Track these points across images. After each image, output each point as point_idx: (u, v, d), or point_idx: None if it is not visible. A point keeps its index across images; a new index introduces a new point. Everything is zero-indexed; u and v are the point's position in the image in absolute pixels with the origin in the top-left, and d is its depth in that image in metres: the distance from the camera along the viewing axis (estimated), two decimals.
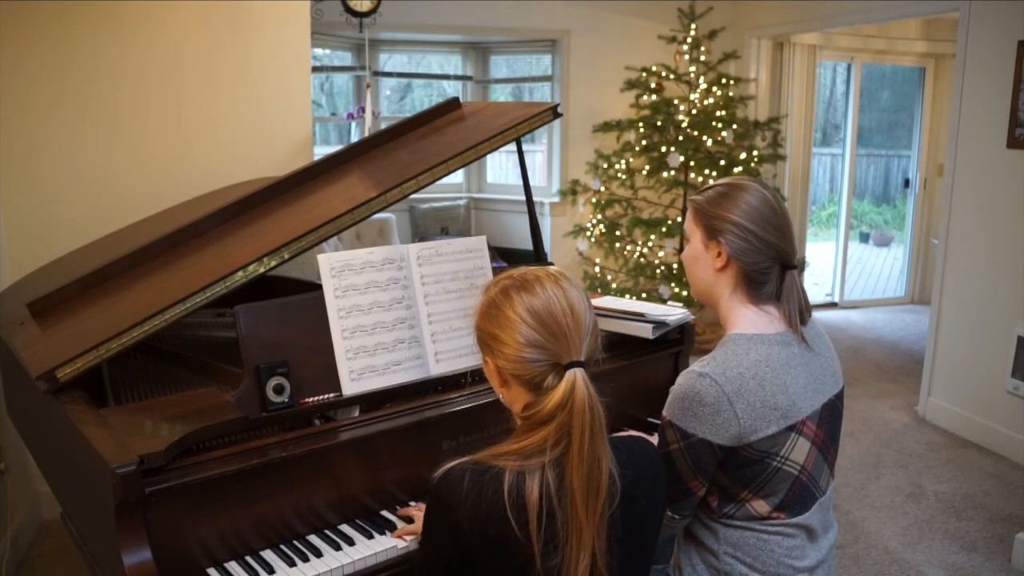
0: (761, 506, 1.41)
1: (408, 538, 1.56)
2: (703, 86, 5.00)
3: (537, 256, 2.38)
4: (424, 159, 2.01)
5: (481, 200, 6.02)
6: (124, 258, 1.96)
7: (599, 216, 5.27)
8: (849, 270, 6.94)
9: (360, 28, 4.82)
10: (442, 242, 1.90)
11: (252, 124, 3.23)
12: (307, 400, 1.65)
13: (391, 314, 1.78)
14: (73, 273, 2.02)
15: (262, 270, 1.74)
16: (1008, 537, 2.96)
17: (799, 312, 1.45)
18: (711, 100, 5.00)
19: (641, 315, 2.10)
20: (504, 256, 5.26)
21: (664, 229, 4.94)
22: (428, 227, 5.69)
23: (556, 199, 5.57)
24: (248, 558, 1.48)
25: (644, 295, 5.11)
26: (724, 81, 5.02)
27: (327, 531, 1.58)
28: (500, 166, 6.20)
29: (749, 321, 1.44)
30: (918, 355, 5.07)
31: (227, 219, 2.04)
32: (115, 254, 2.00)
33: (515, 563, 1.10)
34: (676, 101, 5.01)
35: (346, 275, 1.74)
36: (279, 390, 1.60)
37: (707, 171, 4.89)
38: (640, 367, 2.11)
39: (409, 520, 1.60)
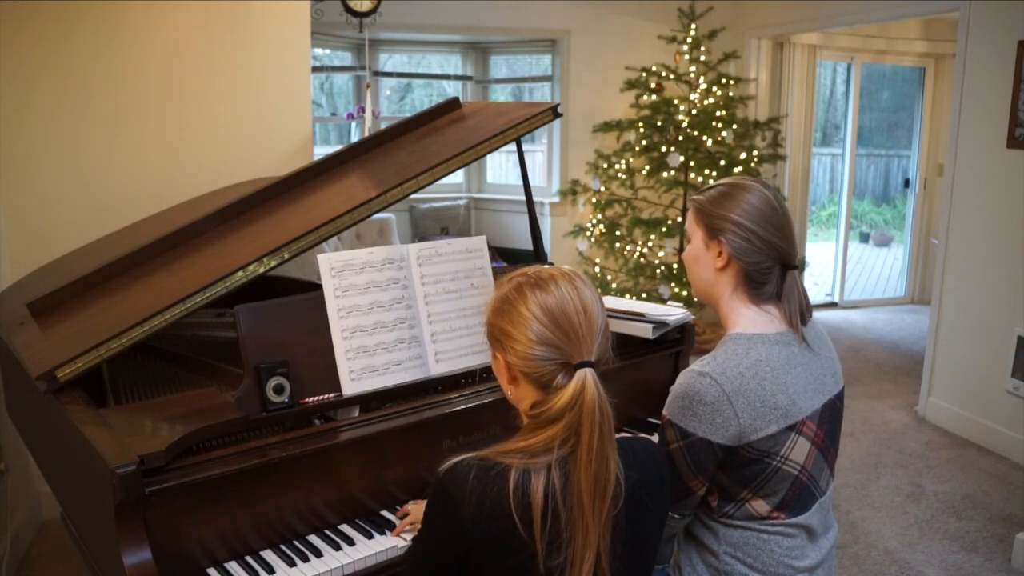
0: (761, 506, 1.41)
1: (407, 535, 1.56)
2: (703, 86, 5.00)
3: (537, 256, 2.38)
4: (424, 159, 2.01)
5: (481, 200, 6.02)
6: (124, 258, 1.96)
7: (599, 216, 5.27)
8: (849, 270, 6.94)
9: (360, 28, 4.82)
10: (442, 242, 1.90)
11: (252, 124, 3.23)
12: (307, 400, 1.65)
13: (391, 314, 1.78)
14: (73, 273, 2.02)
15: (262, 270, 1.74)
16: (1008, 537, 2.96)
17: (800, 312, 1.45)
18: (711, 100, 5.00)
19: (641, 315, 2.10)
20: (504, 256, 5.27)
21: (664, 229, 4.94)
22: (428, 227, 5.69)
23: (556, 199, 5.57)
24: (248, 558, 1.48)
25: (644, 295, 5.11)
26: (724, 81, 5.02)
27: (327, 531, 1.58)
28: (500, 166, 6.20)
29: (750, 321, 1.44)
30: (918, 355, 5.07)
31: (227, 219, 2.04)
32: (115, 254, 2.00)
33: (517, 561, 1.10)
34: (676, 101, 5.01)
35: (346, 275, 1.74)
36: (279, 390, 1.60)
37: (707, 171, 4.89)
38: (640, 367, 2.11)
39: (405, 514, 1.60)
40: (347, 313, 1.72)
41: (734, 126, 4.96)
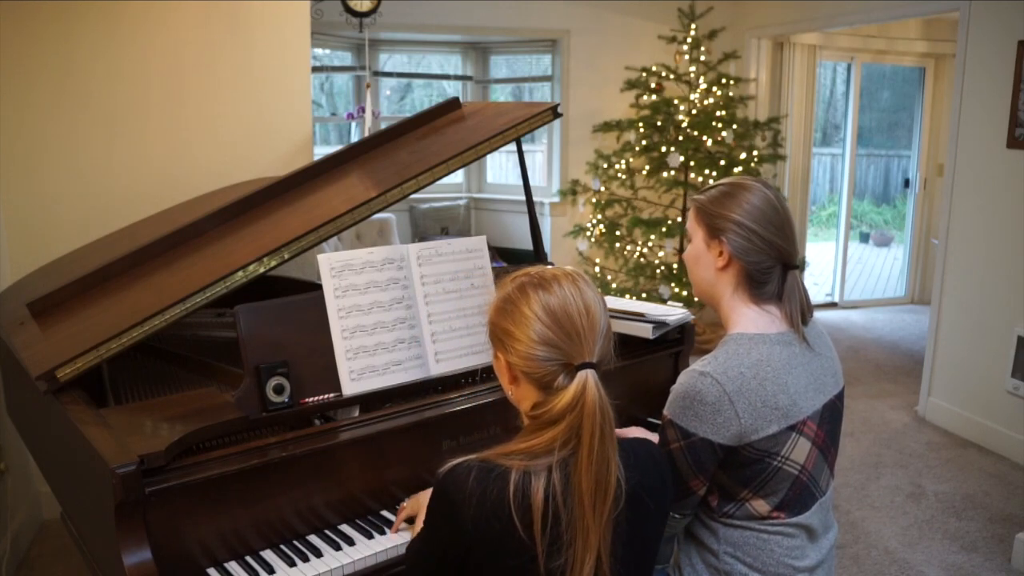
0: (761, 506, 1.41)
1: (404, 532, 1.56)
2: (703, 86, 5.00)
3: (537, 256, 2.37)
4: (424, 159, 2.01)
5: (481, 200, 6.02)
6: (124, 258, 1.95)
7: (599, 216, 5.27)
8: (849, 270, 6.94)
9: (360, 28, 4.82)
10: (442, 242, 1.90)
11: (252, 124, 3.23)
12: (307, 400, 1.65)
13: (391, 314, 1.78)
14: (73, 273, 2.02)
15: (262, 270, 1.74)
16: (1008, 537, 2.96)
17: (800, 312, 1.45)
18: (711, 100, 5.00)
19: (641, 315, 2.10)
20: (504, 256, 5.26)
21: (664, 229, 4.94)
22: (428, 227, 5.69)
23: (556, 199, 5.57)
24: (248, 558, 1.48)
25: (644, 295, 5.11)
26: (724, 81, 5.02)
27: (327, 531, 1.58)
28: (500, 166, 6.20)
29: (750, 321, 1.44)
30: (918, 355, 5.07)
31: (227, 219, 2.04)
32: (115, 254, 2.00)
33: (517, 563, 1.10)
34: (676, 101, 5.01)
35: (346, 275, 1.74)
36: (279, 390, 1.60)
37: (707, 171, 4.89)
38: (640, 367, 2.11)
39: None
40: (347, 313, 1.72)
41: (734, 126, 4.96)
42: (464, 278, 1.89)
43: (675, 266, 5.05)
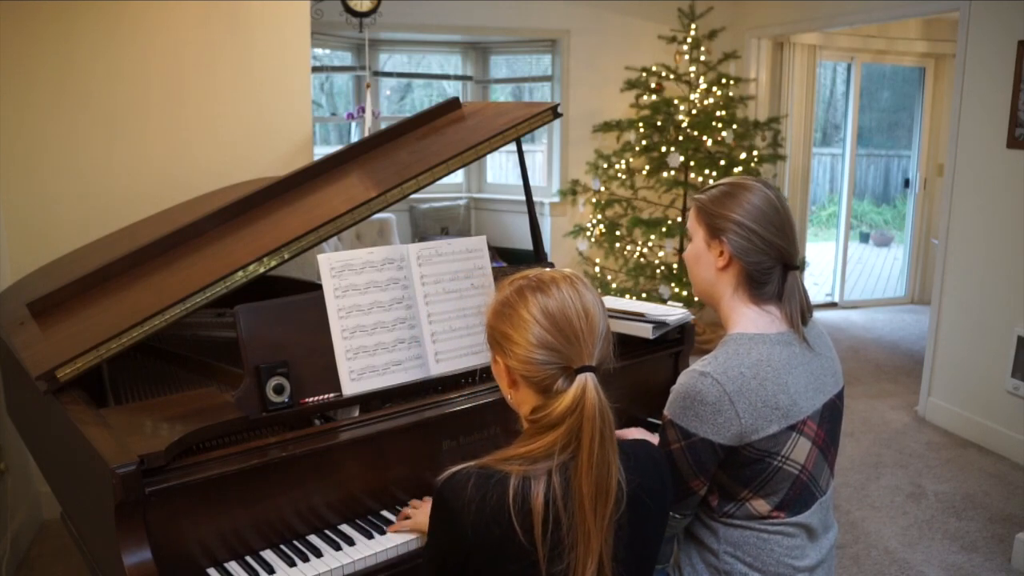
0: (761, 505, 1.41)
1: (403, 534, 1.56)
2: (703, 86, 5.00)
3: (537, 256, 2.37)
4: (424, 159, 2.01)
5: (481, 200, 6.02)
6: (124, 258, 1.95)
7: (599, 216, 5.27)
8: (849, 270, 6.94)
9: (360, 28, 4.82)
10: (442, 242, 1.89)
11: (252, 124, 3.23)
12: (307, 400, 1.65)
13: (391, 314, 1.78)
14: (73, 273, 2.02)
15: (262, 270, 1.74)
16: (1008, 537, 2.96)
17: (800, 312, 1.45)
18: (711, 100, 5.00)
19: (641, 315, 2.10)
20: (504, 256, 5.26)
21: (664, 229, 4.94)
22: (428, 227, 5.69)
23: (556, 199, 5.57)
24: (248, 558, 1.48)
25: (644, 295, 5.11)
26: (724, 81, 5.02)
27: (327, 531, 1.58)
28: (500, 166, 6.20)
29: (750, 321, 1.44)
30: (918, 355, 5.07)
31: (227, 219, 2.04)
32: (115, 254, 2.00)
33: (518, 568, 1.09)
34: (676, 101, 5.01)
35: (346, 275, 1.74)
36: (279, 390, 1.60)
37: (707, 171, 4.89)
38: (640, 367, 2.11)
39: (406, 517, 1.60)
40: (347, 313, 1.72)
41: (734, 126, 4.96)
42: (464, 278, 1.89)
43: (675, 266, 5.05)
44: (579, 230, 5.33)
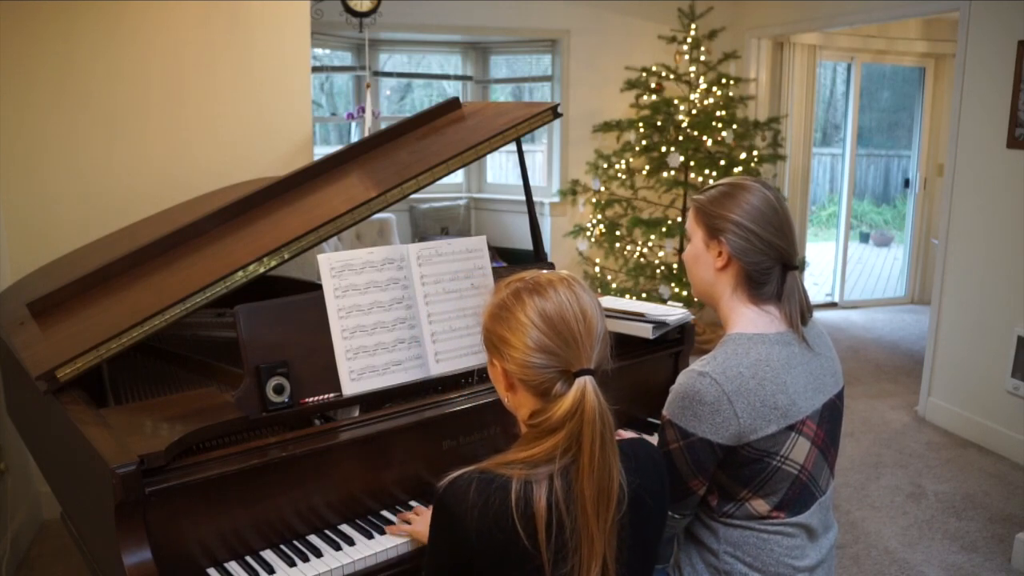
0: (761, 505, 1.41)
1: (402, 537, 1.55)
2: (703, 86, 5.00)
3: (537, 256, 2.37)
4: (424, 159, 2.01)
5: (481, 200, 6.02)
6: (124, 258, 1.95)
7: (599, 216, 5.27)
8: (849, 270, 6.94)
9: (360, 28, 4.82)
10: (442, 242, 1.90)
11: (252, 124, 3.23)
12: (307, 400, 1.65)
13: (391, 314, 1.78)
14: (73, 273, 2.02)
15: (262, 270, 1.74)
16: (1008, 537, 2.96)
17: (800, 312, 1.45)
18: (711, 100, 5.00)
19: (641, 315, 2.10)
20: (504, 256, 5.26)
21: (664, 229, 4.94)
22: (428, 227, 5.69)
23: (556, 199, 5.57)
24: (248, 558, 1.48)
25: (644, 295, 5.11)
26: (724, 81, 5.02)
27: (327, 531, 1.58)
28: (500, 166, 6.20)
29: (750, 321, 1.44)
30: (918, 355, 5.07)
31: (227, 219, 2.04)
32: (115, 254, 2.00)
33: (521, 572, 1.09)
34: (676, 101, 5.01)
35: (346, 275, 1.74)
36: (279, 390, 1.60)
37: (707, 171, 4.89)
38: (640, 367, 2.11)
39: (407, 522, 1.59)
40: (347, 313, 1.72)
41: (734, 126, 4.96)
42: (464, 278, 1.89)
43: (675, 266, 5.05)
44: (579, 230, 5.33)
